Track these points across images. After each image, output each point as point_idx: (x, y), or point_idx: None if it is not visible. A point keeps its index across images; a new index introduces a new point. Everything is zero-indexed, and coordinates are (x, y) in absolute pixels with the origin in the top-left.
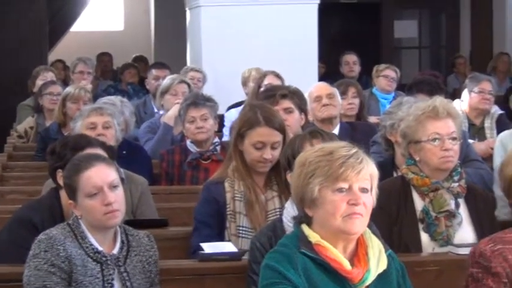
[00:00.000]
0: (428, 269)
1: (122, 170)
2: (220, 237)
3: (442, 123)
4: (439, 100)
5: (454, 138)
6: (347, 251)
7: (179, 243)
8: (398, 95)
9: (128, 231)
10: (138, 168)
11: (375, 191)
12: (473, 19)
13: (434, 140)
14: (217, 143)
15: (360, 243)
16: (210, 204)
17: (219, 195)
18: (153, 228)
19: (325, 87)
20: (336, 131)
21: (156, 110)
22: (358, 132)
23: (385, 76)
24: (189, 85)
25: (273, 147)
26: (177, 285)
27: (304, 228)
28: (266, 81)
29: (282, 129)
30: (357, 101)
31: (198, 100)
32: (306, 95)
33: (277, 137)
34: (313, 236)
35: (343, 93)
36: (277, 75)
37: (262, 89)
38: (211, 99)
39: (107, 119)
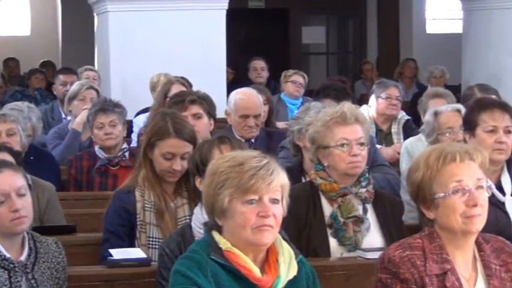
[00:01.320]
0: (337, 274)
1: (29, 176)
2: (131, 247)
3: (350, 129)
4: (347, 106)
5: (361, 144)
6: (257, 259)
7: (88, 249)
8: (306, 101)
9: (36, 237)
10: (45, 174)
11: (285, 200)
12: (380, 26)
13: (342, 145)
14: (125, 149)
15: (271, 250)
16: (121, 214)
17: (129, 205)
18: (61, 235)
19: (255, 106)
20: (252, 138)
21: (63, 116)
22: (274, 140)
23: (293, 82)
24: (97, 91)
25: (182, 158)
26: None
27: (215, 234)
28: (173, 91)
29: (192, 140)
30: (266, 108)
31: (106, 106)
32: (231, 98)
33: (188, 148)
34: (223, 242)
35: None
36: (184, 84)
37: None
38: (120, 105)
39: (11, 126)
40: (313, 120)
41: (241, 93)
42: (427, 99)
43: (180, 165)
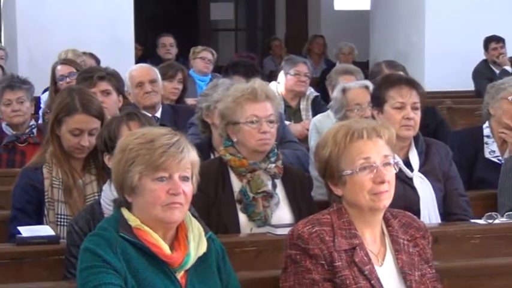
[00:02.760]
0: (247, 250)
1: None
2: (39, 225)
3: (260, 106)
4: (258, 82)
5: (271, 121)
6: (167, 236)
7: None
8: (214, 77)
9: None
10: None
11: (195, 178)
12: (288, 2)
13: (252, 122)
14: (33, 126)
15: (181, 228)
16: (29, 192)
17: (37, 182)
18: None
19: (147, 73)
20: (158, 114)
21: None
22: (179, 115)
23: (202, 58)
24: (2, 68)
25: (90, 134)
26: None
27: (124, 211)
28: (59, 72)
29: (100, 116)
30: (181, 86)
31: (13, 83)
32: (126, 77)
33: (95, 123)
34: (133, 219)
35: (172, 77)
36: (71, 63)
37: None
38: (28, 82)
39: None
40: (221, 97)
41: (132, 68)
42: (336, 75)
43: (88, 141)
